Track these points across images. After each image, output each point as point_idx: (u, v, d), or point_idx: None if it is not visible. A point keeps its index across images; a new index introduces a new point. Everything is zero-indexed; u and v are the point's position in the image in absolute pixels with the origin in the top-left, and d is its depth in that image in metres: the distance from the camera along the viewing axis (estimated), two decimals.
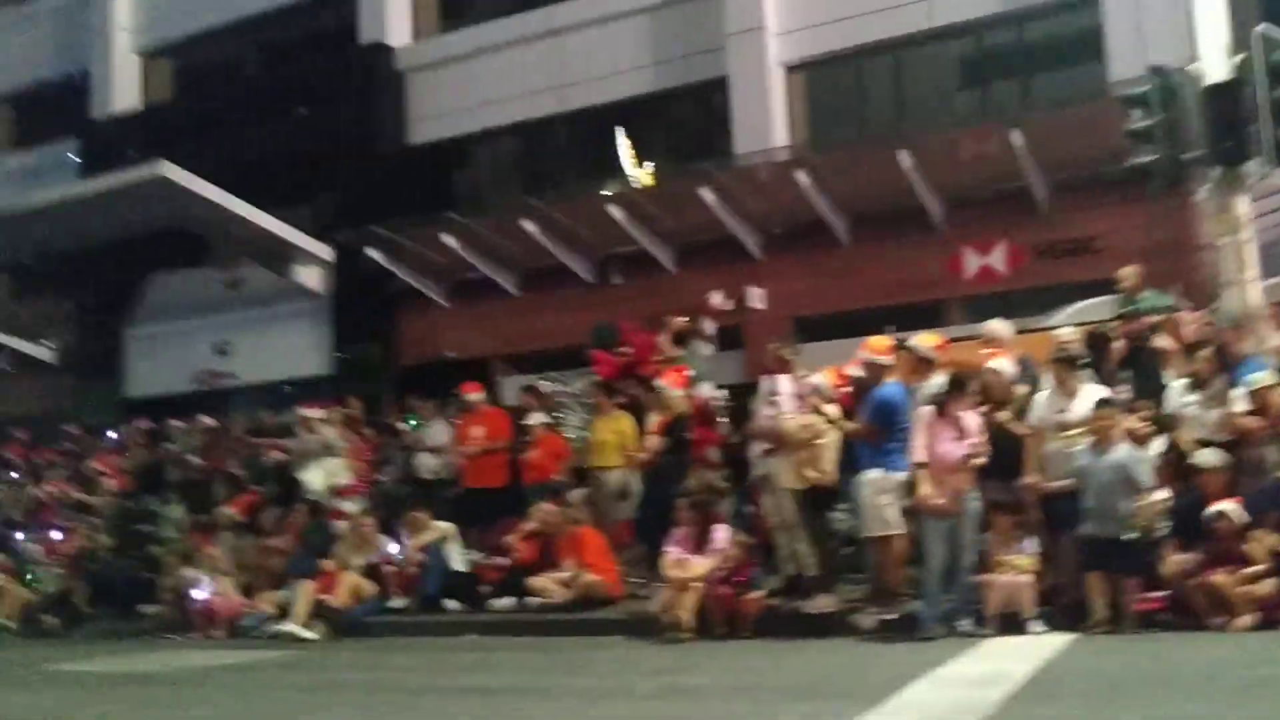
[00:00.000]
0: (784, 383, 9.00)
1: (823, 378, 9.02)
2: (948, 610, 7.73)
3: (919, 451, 7.83)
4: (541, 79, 17.28)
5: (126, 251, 17.87)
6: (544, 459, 11.25)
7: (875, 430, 8.09)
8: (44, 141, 22.56)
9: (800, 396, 8.86)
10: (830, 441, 8.67)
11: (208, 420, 15.10)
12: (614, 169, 16.46)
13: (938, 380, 8.32)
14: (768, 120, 15.48)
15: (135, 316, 19.84)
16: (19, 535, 13.54)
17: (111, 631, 11.64)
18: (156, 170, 16.03)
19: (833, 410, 8.74)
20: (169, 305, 19.36)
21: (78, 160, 20.92)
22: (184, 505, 12.76)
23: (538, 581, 10.01)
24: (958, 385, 8.05)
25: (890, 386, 8.22)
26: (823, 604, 8.48)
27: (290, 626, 10.25)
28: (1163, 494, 7.63)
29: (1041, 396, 8.26)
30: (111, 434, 16.10)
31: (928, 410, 7.99)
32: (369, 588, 10.69)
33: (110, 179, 16.97)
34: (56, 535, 13.25)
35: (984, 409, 8.16)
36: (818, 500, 8.76)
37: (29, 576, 12.79)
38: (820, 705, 5.67)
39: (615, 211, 15.07)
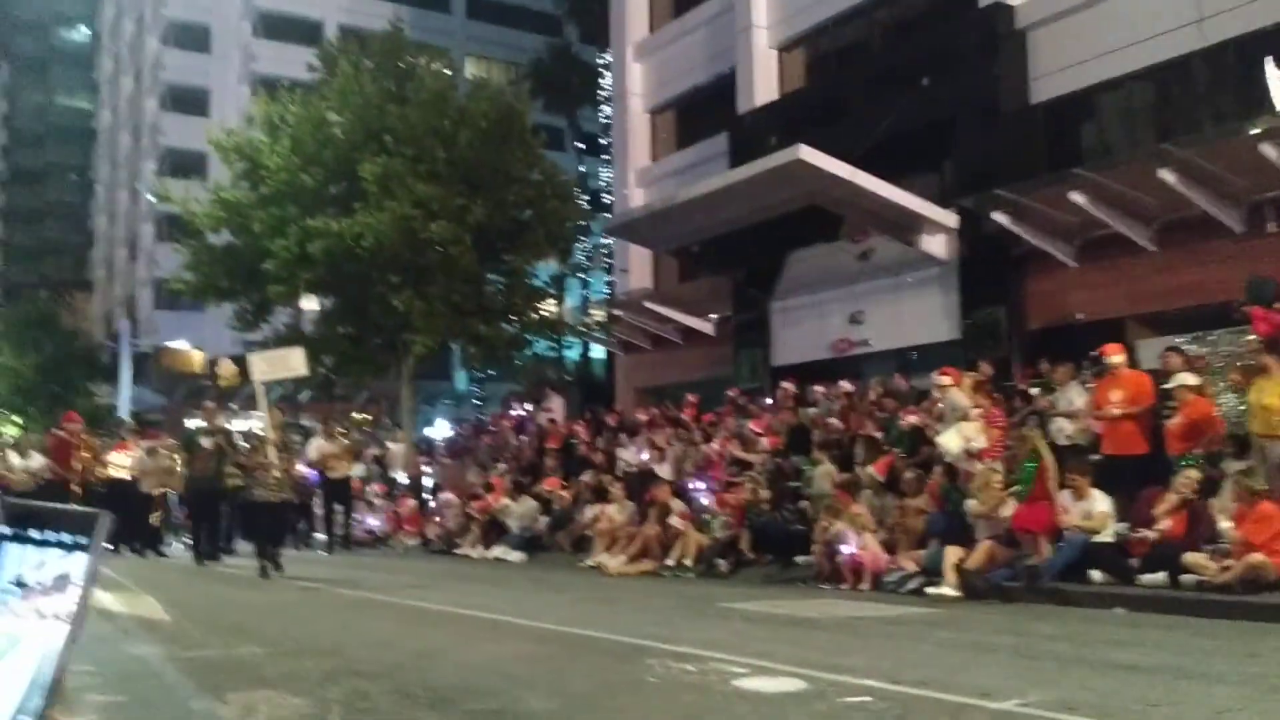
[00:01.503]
0: None
1: None
2: None
3: None
4: (1175, 17, 15.92)
5: (770, 231, 19.34)
6: (1191, 425, 10.58)
7: None
8: (700, 139, 25.42)
9: None
10: None
11: (846, 385, 16.14)
12: (1263, 104, 14.67)
13: None
14: None
15: (779, 290, 21.49)
16: (694, 487, 15.58)
17: (771, 577, 12.65)
18: (793, 154, 17.34)
19: None
20: (807, 279, 20.75)
21: (728, 153, 22.95)
22: (829, 464, 13.83)
23: (1192, 557, 9.40)
24: None
25: None
26: None
27: (931, 586, 10.70)
28: None
29: None
30: (765, 398, 17.75)
31: None
32: (1002, 551, 10.82)
33: (752, 166, 18.51)
34: (723, 488, 15.00)
35: None
36: None
37: (705, 523, 14.66)
38: None
39: (1271, 150, 13.49)
